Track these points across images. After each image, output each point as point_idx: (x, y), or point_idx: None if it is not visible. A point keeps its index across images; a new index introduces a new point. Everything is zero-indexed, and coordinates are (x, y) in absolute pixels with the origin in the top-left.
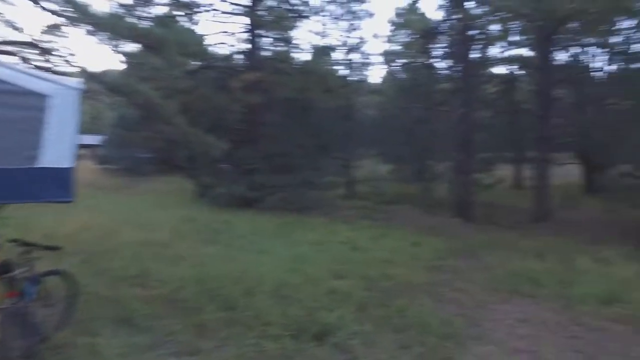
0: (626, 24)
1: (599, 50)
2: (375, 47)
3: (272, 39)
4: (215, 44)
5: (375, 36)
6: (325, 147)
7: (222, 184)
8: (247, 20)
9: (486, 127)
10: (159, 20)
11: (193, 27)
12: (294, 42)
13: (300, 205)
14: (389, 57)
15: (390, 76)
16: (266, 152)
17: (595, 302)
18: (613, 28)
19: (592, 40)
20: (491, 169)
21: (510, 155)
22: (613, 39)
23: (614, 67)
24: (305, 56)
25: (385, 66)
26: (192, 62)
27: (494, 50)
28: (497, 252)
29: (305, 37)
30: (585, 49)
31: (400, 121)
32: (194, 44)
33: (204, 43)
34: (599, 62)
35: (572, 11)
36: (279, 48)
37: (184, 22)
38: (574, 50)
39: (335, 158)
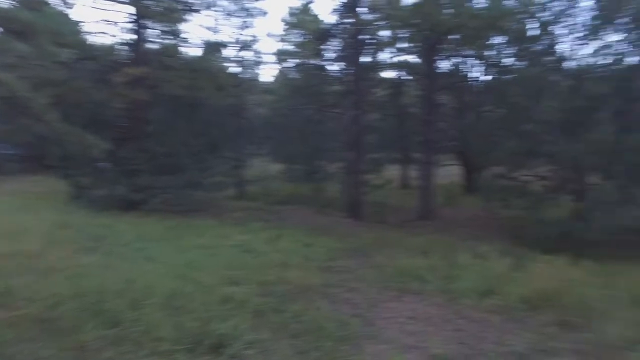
0: (499, 39)
1: (477, 61)
2: (268, 46)
3: (159, 32)
4: (95, 33)
5: (268, 35)
6: (214, 146)
7: (102, 185)
8: (132, 9)
9: (375, 129)
10: (27, 2)
11: (68, 12)
12: (183, 36)
13: (188, 207)
14: (281, 56)
15: (282, 76)
16: (151, 151)
17: (476, 296)
18: (488, 43)
19: (471, 52)
20: (380, 169)
21: (398, 157)
22: (488, 52)
23: (489, 77)
24: (195, 52)
25: (278, 65)
26: (67, 52)
27: (384, 56)
28: (386, 250)
29: (196, 32)
30: (465, 59)
31: (292, 121)
32: (69, 31)
33: (82, 31)
34: (477, 72)
35: (455, 25)
36: (166, 41)
37: (57, 6)
38: (456, 60)
39: (225, 158)
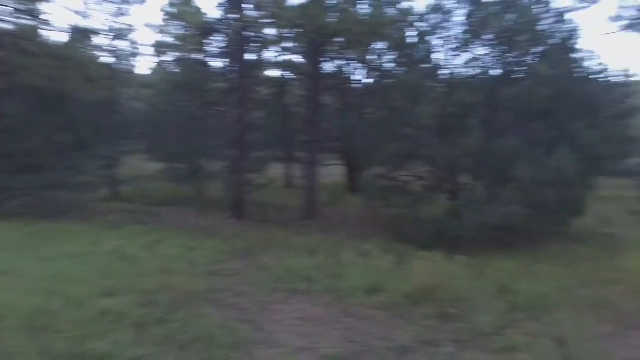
0: (381, 45)
1: (360, 65)
2: (146, 37)
3: (13, 9)
4: None
5: (146, 25)
6: (82, 143)
7: None
8: None
9: (260, 128)
10: None
11: None
12: (43, 17)
13: (53, 210)
14: (160, 49)
15: (161, 69)
16: (6, 148)
17: (362, 293)
18: (370, 48)
19: (354, 56)
20: (264, 168)
21: (282, 155)
22: (370, 57)
23: (371, 80)
24: (61, 37)
25: (156, 58)
26: None
27: (269, 54)
28: (273, 251)
29: (61, 15)
30: (349, 62)
31: (173, 118)
32: None
33: None
34: (359, 75)
35: (340, 29)
36: (23, 22)
37: None
38: (340, 62)
39: (96, 156)
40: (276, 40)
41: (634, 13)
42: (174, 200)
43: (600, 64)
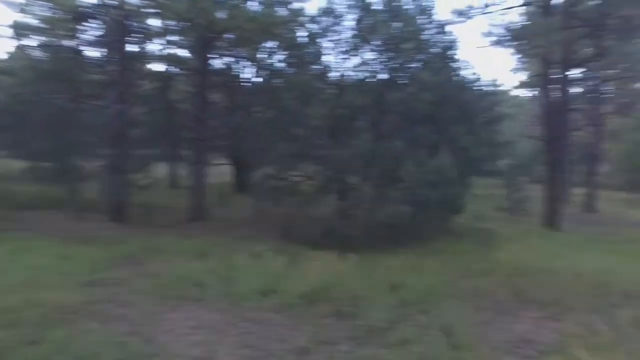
0: (271, 44)
1: (249, 63)
2: (3, 16)
3: None
4: None
5: (3, 2)
6: None
7: None
8: None
9: (142, 124)
10: None
11: None
12: None
13: None
14: (21, 31)
15: (21, 54)
16: None
17: (257, 296)
18: (261, 46)
19: (244, 53)
20: (147, 167)
21: (167, 154)
22: (260, 55)
23: (260, 79)
24: None
25: (15, 42)
26: None
27: (153, 47)
28: (160, 256)
29: None
30: (238, 60)
31: (39, 111)
32: None
33: None
34: (249, 73)
35: (230, 25)
36: None
37: None
38: (229, 59)
39: None
40: (161, 32)
41: (502, 31)
42: (42, 203)
43: (474, 74)
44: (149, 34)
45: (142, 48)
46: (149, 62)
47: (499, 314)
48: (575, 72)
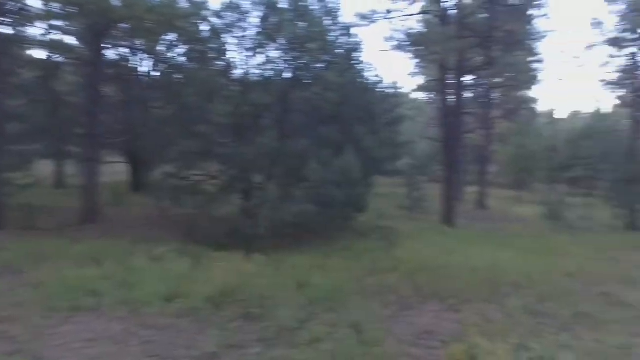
0: (171, 37)
1: (147, 55)
2: None
3: None
4: None
5: None
6: None
7: None
8: None
9: (22, 118)
10: None
11: None
12: None
13: None
14: None
15: None
16: None
17: (160, 301)
18: (160, 38)
19: (141, 45)
20: (28, 165)
21: (52, 151)
22: (160, 48)
23: (158, 73)
24: None
25: None
26: None
27: (35, 31)
28: (45, 263)
29: None
30: (135, 52)
31: None
32: None
33: None
34: (146, 66)
35: (127, 14)
36: None
37: None
38: (124, 50)
39: None
40: (44, 16)
41: (402, 36)
42: None
43: (377, 76)
44: (27, 17)
45: (20, 32)
46: (29, 48)
47: (403, 309)
48: (468, 79)
